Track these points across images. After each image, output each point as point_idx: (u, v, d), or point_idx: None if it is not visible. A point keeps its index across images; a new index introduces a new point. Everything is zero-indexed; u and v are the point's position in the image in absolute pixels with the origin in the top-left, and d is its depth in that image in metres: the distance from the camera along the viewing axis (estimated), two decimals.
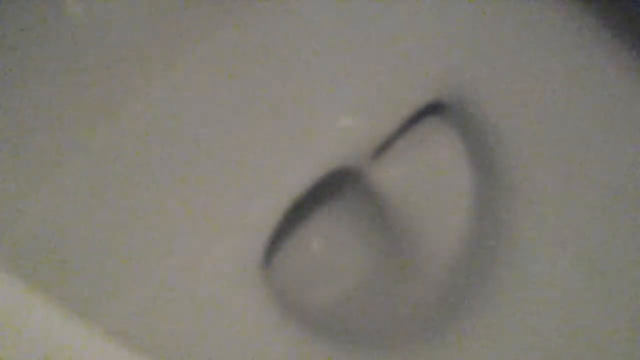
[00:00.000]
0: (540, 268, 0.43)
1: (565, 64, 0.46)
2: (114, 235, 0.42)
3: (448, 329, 0.44)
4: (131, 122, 0.44)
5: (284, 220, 0.45)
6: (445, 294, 0.48)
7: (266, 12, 0.48)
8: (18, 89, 0.42)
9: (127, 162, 0.44)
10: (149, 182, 0.43)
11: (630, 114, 0.44)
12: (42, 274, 0.39)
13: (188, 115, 0.45)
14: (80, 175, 0.43)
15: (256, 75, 0.46)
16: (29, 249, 0.41)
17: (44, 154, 0.43)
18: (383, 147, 0.51)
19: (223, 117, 0.45)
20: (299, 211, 0.52)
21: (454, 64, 0.47)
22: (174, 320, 0.41)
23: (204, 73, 0.46)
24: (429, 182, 0.52)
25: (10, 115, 0.42)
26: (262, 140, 0.45)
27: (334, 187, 0.53)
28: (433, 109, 0.50)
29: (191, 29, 0.47)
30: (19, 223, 0.41)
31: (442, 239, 0.50)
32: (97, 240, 0.41)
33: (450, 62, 0.47)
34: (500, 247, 0.45)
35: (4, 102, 0.42)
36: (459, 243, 0.50)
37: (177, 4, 0.47)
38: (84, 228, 0.42)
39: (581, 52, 0.45)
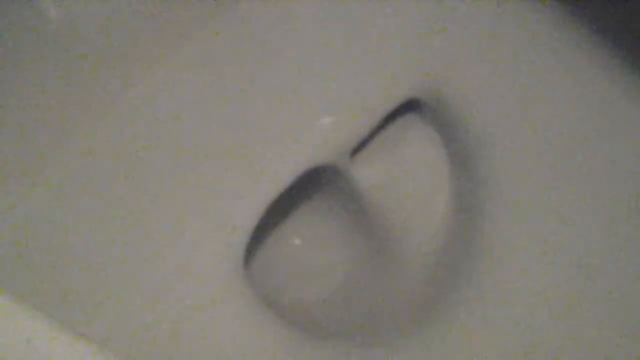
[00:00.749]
0: (518, 258, 0.44)
1: (536, 60, 0.46)
2: (96, 240, 0.42)
3: (432, 322, 0.45)
4: (112, 126, 0.44)
5: (265, 219, 0.46)
6: (428, 287, 0.49)
7: (244, 13, 0.48)
8: (8, 88, 0.42)
9: (110, 165, 0.44)
10: (132, 183, 0.44)
11: (600, 103, 0.45)
12: (31, 278, 0.39)
13: (168, 118, 0.45)
14: (68, 177, 0.43)
15: (236, 76, 0.47)
16: (19, 251, 0.41)
17: (35, 154, 0.43)
18: (362, 145, 0.51)
19: (204, 119, 0.46)
20: (280, 210, 0.52)
21: (430, 62, 0.48)
22: (160, 322, 0.41)
23: (188, 72, 0.46)
24: (408, 177, 0.52)
25: (4, 115, 0.42)
26: (243, 140, 0.45)
27: (314, 184, 0.54)
28: (410, 106, 0.51)
29: (178, 29, 0.47)
30: (9, 222, 0.41)
31: (422, 233, 0.51)
32: (79, 244, 0.42)
33: (426, 60, 0.48)
34: (478, 238, 0.46)
35: None
36: (438, 237, 0.50)
37: (166, 3, 0.47)
38: (71, 232, 0.42)
39: (553, 48, 0.46)
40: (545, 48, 0.46)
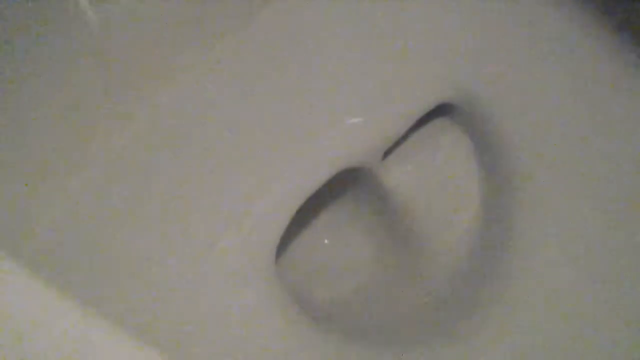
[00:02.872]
0: (544, 268, 0.44)
1: (569, 65, 0.46)
2: (123, 233, 0.43)
3: (454, 326, 0.45)
4: (141, 124, 0.44)
5: (296, 218, 0.46)
6: (453, 292, 0.49)
7: (275, 14, 0.48)
8: (27, 94, 0.43)
9: (137, 163, 0.45)
10: (160, 180, 0.44)
11: (634, 115, 0.44)
12: (54, 275, 0.40)
13: (199, 116, 0.46)
14: (89, 177, 0.44)
15: (268, 76, 0.47)
16: (41, 250, 0.42)
17: (52, 160, 0.44)
18: (392, 147, 0.51)
19: (235, 117, 0.46)
20: (310, 209, 0.53)
21: (463, 66, 0.48)
22: (184, 316, 0.42)
23: (216, 74, 0.47)
24: (437, 182, 0.52)
25: (20, 122, 0.43)
26: (274, 140, 0.46)
27: (344, 186, 0.54)
28: (442, 110, 0.51)
29: (200, 32, 0.47)
30: (30, 226, 0.42)
31: (448, 239, 0.51)
32: (107, 239, 0.42)
33: (460, 64, 0.48)
34: (505, 246, 0.46)
35: (13, 108, 0.43)
36: (465, 242, 0.50)
37: (185, 8, 0.47)
38: (95, 229, 0.43)
39: (585, 54, 0.45)
40: (583, 51, 0.45)
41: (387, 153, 0.51)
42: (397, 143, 0.51)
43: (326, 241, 0.56)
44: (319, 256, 0.55)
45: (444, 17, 0.48)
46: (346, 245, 0.55)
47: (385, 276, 0.53)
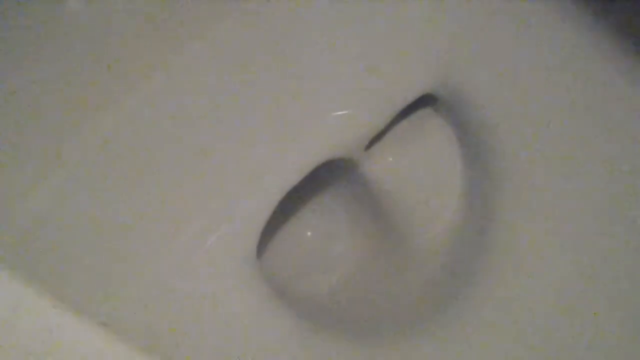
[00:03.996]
0: (530, 255, 0.44)
1: (552, 58, 0.46)
2: (108, 232, 0.42)
3: (441, 316, 0.45)
4: (120, 121, 0.44)
5: (278, 211, 0.46)
6: (438, 281, 0.49)
7: (260, 8, 0.48)
8: (15, 86, 0.42)
9: (116, 160, 0.44)
10: (142, 177, 0.44)
11: (619, 105, 0.45)
12: (39, 272, 0.39)
13: (182, 111, 0.45)
14: (74, 174, 0.43)
15: (251, 69, 0.46)
16: (25, 246, 0.41)
17: (40, 152, 0.43)
18: (375, 138, 0.51)
19: (217, 111, 0.46)
20: (293, 202, 0.52)
21: (446, 57, 0.47)
22: (171, 315, 0.41)
23: (200, 69, 0.46)
24: (421, 172, 0.52)
25: (8, 113, 0.42)
26: (256, 133, 0.45)
27: (327, 177, 0.54)
28: (425, 101, 0.50)
29: (189, 25, 0.47)
30: (16, 220, 0.41)
31: (433, 228, 0.51)
32: (91, 239, 0.42)
33: (442, 55, 0.47)
34: (489, 234, 0.46)
35: (2, 100, 0.42)
36: (450, 231, 0.50)
37: (172, 3, 0.46)
38: (78, 228, 0.42)
39: (569, 47, 0.45)
40: (566, 43, 0.45)
41: (370, 144, 0.50)
42: (381, 134, 0.51)
43: (309, 234, 0.55)
44: (302, 250, 0.55)
45: (426, 9, 0.48)
46: (329, 237, 0.55)
47: (370, 269, 0.53)
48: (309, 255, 0.55)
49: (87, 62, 0.44)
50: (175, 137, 0.45)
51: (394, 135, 0.52)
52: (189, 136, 0.45)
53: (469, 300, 0.44)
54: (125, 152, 0.44)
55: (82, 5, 0.44)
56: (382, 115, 0.48)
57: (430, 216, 0.51)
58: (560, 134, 0.45)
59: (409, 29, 0.48)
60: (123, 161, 0.44)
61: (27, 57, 0.42)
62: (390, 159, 0.52)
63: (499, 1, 0.46)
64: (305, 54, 0.47)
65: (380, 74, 0.47)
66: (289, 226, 0.54)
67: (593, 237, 0.43)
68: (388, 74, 0.47)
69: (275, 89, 0.46)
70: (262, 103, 0.46)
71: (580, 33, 0.44)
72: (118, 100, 0.44)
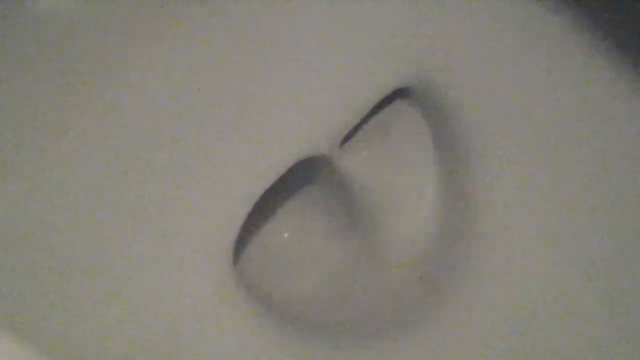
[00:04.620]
0: (510, 250, 0.44)
1: (529, 48, 0.46)
2: (80, 242, 0.40)
3: (423, 314, 0.45)
4: (89, 123, 0.42)
5: (253, 215, 0.45)
6: (418, 277, 0.49)
7: (233, 6, 0.46)
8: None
9: (85, 162, 0.42)
10: (114, 182, 0.42)
11: (582, 91, 0.45)
12: None
13: (154, 112, 0.44)
14: (40, 179, 0.41)
15: (224, 68, 0.45)
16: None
17: (15, 154, 0.41)
18: (350, 134, 0.50)
19: (186, 114, 0.44)
20: (268, 204, 0.51)
21: (418, 49, 0.47)
22: (147, 326, 0.40)
23: (174, 68, 0.44)
24: (397, 166, 0.52)
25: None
26: (229, 133, 0.44)
27: (302, 176, 0.53)
28: (399, 94, 0.50)
29: (162, 24, 0.45)
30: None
31: (409, 224, 0.51)
32: (65, 248, 0.40)
33: (415, 48, 0.47)
34: (468, 228, 0.46)
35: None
36: (428, 226, 0.50)
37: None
38: (39, 232, 0.40)
39: (547, 36, 0.45)
40: (539, 37, 0.45)
41: (344, 140, 0.50)
42: (355, 129, 0.50)
43: (286, 235, 0.54)
44: (280, 251, 0.54)
45: (402, 3, 0.47)
46: (307, 237, 0.54)
47: (349, 269, 0.53)
48: (286, 258, 0.54)
49: (72, 59, 0.42)
50: (142, 140, 0.43)
51: (369, 130, 0.51)
52: (156, 139, 0.43)
53: (452, 296, 0.44)
54: (87, 154, 0.42)
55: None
56: (355, 111, 0.47)
57: (406, 211, 0.51)
58: (538, 125, 0.45)
59: (380, 22, 0.47)
60: (85, 163, 0.42)
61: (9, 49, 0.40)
62: (365, 155, 0.51)
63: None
64: (275, 53, 0.46)
65: (353, 68, 0.46)
66: (265, 229, 0.53)
67: (573, 220, 0.43)
68: (361, 68, 0.46)
69: (245, 90, 0.45)
70: (231, 104, 0.45)
71: (563, 29, 0.44)
72: (96, 101, 0.42)
